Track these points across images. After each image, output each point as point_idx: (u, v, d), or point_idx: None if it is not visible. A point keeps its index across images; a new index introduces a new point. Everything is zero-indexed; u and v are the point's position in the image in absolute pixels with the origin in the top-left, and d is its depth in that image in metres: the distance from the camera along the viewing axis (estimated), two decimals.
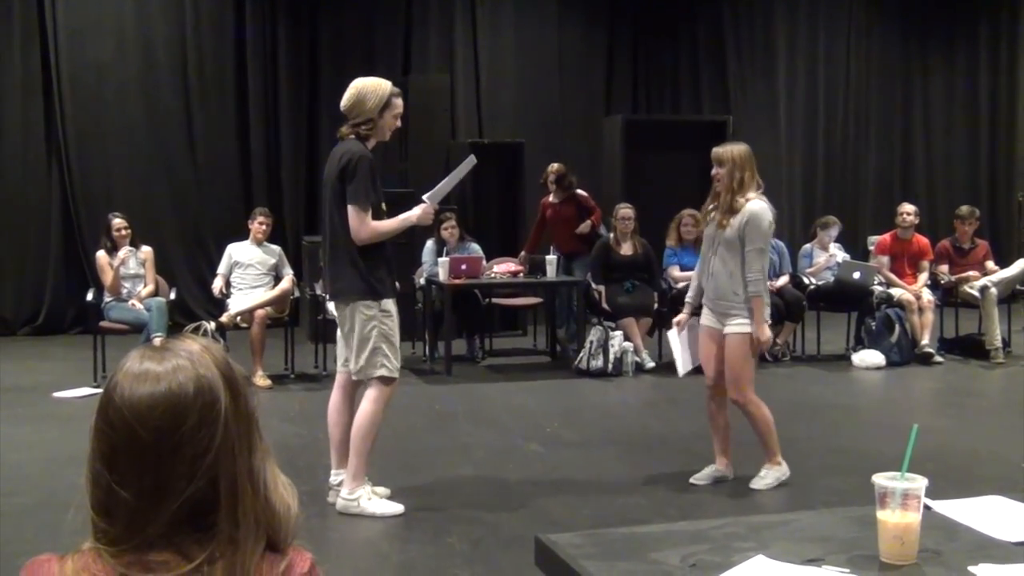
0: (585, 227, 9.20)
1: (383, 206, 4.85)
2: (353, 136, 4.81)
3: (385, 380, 4.82)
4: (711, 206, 5.21)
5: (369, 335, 4.77)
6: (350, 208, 4.71)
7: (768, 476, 5.23)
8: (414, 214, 4.94)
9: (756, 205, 5.01)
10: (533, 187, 11.06)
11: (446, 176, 5.12)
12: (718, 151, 5.13)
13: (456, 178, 5.11)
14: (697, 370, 5.43)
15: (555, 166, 9.32)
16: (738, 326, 5.04)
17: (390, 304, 4.82)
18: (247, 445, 1.38)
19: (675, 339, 5.46)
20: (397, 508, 4.88)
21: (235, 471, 1.35)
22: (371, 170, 4.74)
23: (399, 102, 4.87)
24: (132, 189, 10.54)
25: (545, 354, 9.39)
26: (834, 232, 9.55)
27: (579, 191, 9.32)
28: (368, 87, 4.80)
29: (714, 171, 5.13)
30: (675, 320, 5.49)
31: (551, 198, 9.38)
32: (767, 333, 5.06)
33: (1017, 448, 6.06)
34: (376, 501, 4.88)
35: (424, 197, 5.02)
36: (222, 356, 1.41)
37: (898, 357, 8.79)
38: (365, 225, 4.71)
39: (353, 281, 4.78)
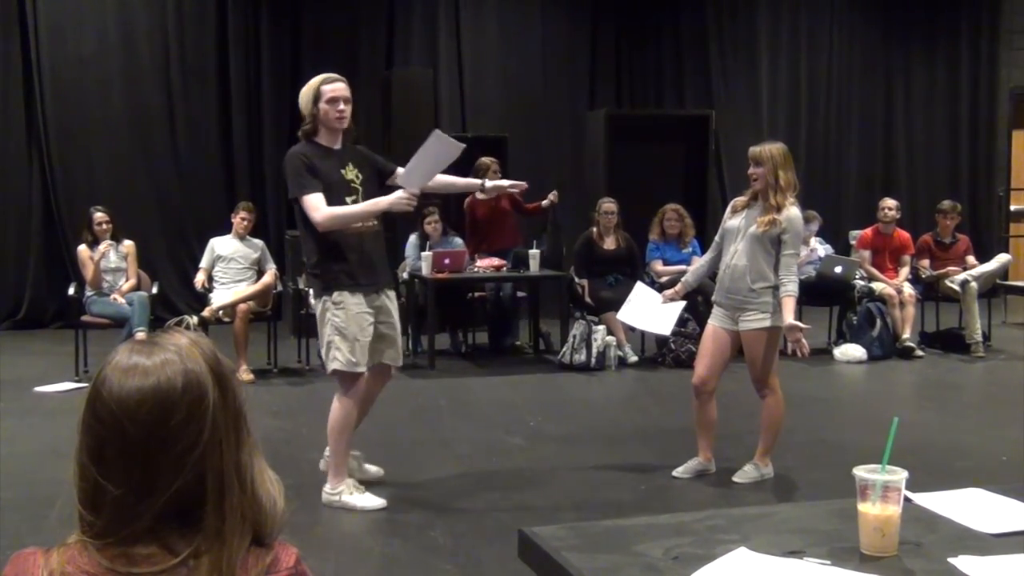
0: (553, 196, 9.03)
1: (353, 198, 4.80)
2: (300, 136, 4.85)
3: (343, 375, 4.82)
4: (746, 199, 5.16)
5: (324, 329, 4.81)
6: (300, 202, 4.71)
7: (752, 472, 5.24)
8: (385, 199, 4.80)
9: (795, 211, 5.04)
10: None
11: (417, 156, 4.84)
12: (756, 151, 5.07)
13: (434, 161, 4.86)
14: (683, 364, 5.44)
15: (489, 160, 9.01)
16: (756, 321, 5.02)
17: (343, 296, 4.75)
18: (235, 439, 1.38)
19: (647, 295, 5.45)
20: (378, 502, 4.89)
21: (222, 466, 1.35)
22: (302, 161, 4.72)
23: (328, 87, 4.79)
24: (114, 183, 10.48)
25: (528, 348, 9.39)
26: (814, 227, 9.57)
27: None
28: (303, 90, 4.85)
29: (751, 170, 5.07)
30: (665, 292, 5.49)
31: (480, 195, 9.21)
32: (793, 322, 5.00)
33: (997, 441, 6.11)
34: (358, 495, 4.90)
35: (396, 182, 4.87)
36: (210, 350, 1.41)
37: (879, 351, 8.83)
38: (318, 211, 4.67)
39: (310, 277, 4.86)
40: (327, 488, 4.88)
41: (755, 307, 5.03)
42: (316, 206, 4.66)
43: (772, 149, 5.06)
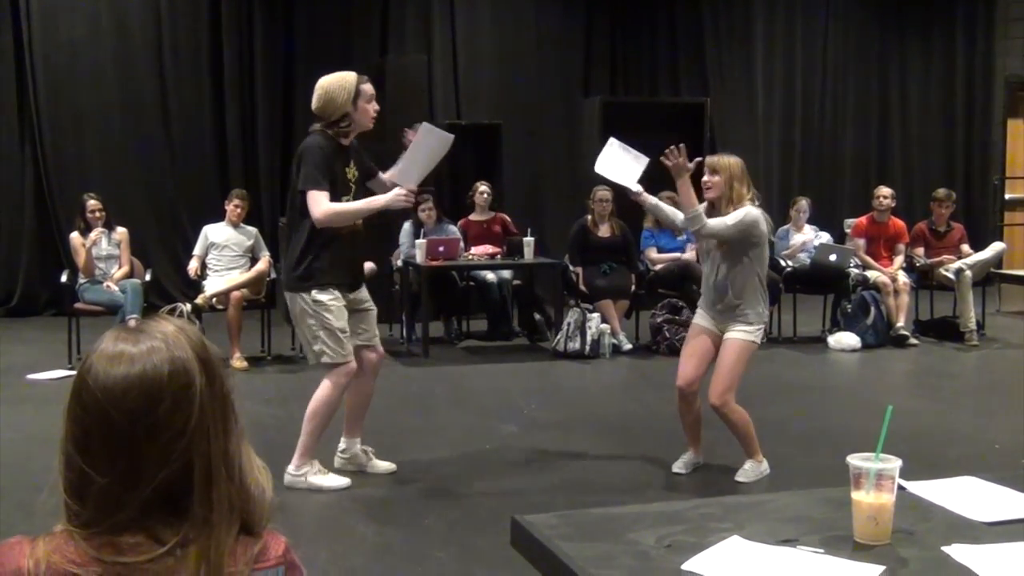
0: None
1: (348, 197, 4.84)
2: (320, 131, 4.81)
3: (332, 366, 4.86)
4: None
5: (303, 325, 4.85)
6: (306, 194, 4.72)
7: (752, 471, 5.17)
8: (382, 198, 4.85)
9: (754, 210, 4.95)
10: (511, 169, 11.03)
11: (409, 151, 4.88)
12: (714, 160, 4.99)
13: (427, 154, 4.87)
14: (677, 352, 5.40)
15: (485, 185, 9.32)
16: (741, 333, 4.98)
17: (321, 295, 4.79)
18: (222, 428, 1.37)
19: (618, 153, 5.31)
20: (344, 481, 4.95)
21: (210, 454, 1.34)
22: (322, 156, 4.73)
23: (367, 87, 4.82)
24: (107, 170, 10.43)
25: (522, 336, 9.38)
26: (803, 206, 9.53)
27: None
28: (333, 84, 4.77)
29: (706, 178, 4.97)
30: (632, 191, 5.34)
31: (475, 216, 9.32)
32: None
33: (990, 429, 6.12)
34: (323, 476, 4.95)
35: (392, 179, 4.87)
36: (197, 337, 1.40)
37: (873, 339, 8.83)
38: (320, 206, 4.70)
39: (289, 272, 4.87)
40: (290, 469, 4.93)
41: (741, 319, 4.99)
42: (319, 202, 4.69)
43: (731, 160, 4.99)
